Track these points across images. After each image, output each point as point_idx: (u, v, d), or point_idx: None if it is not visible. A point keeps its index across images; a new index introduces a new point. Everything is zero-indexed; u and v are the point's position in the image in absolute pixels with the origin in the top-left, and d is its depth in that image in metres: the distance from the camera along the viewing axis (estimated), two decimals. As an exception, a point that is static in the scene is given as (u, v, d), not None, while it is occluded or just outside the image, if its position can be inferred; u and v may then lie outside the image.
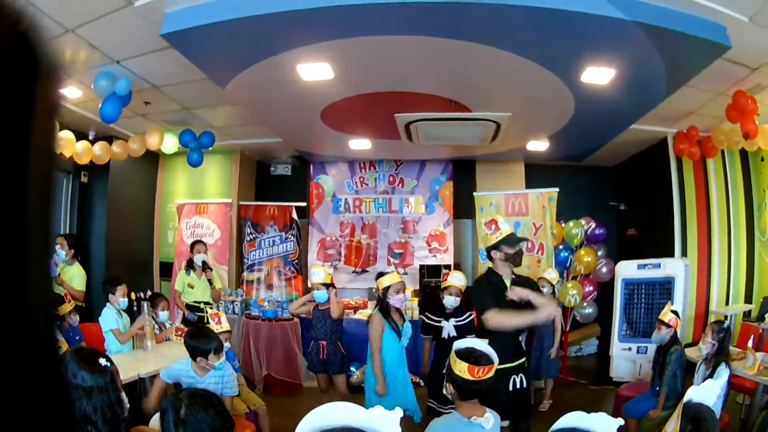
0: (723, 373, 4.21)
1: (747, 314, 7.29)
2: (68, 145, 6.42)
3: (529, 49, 4.76)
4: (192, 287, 6.65)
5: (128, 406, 2.48)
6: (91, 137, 7.27)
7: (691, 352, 5.08)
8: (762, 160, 7.55)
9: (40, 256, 0.55)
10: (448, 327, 5.39)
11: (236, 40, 4.64)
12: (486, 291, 4.17)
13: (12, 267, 0.50)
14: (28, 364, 0.54)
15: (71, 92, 6.07)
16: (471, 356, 2.82)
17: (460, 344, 2.95)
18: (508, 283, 4.09)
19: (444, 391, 3.01)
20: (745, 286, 7.84)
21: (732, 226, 7.83)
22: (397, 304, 4.67)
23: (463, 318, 5.51)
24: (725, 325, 4.72)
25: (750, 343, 4.84)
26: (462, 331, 5.39)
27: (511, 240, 4.11)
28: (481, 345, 2.92)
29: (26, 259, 0.52)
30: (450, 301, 5.44)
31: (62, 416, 0.62)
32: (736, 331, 7.00)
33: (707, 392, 2.15)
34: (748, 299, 7.71)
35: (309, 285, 8.91)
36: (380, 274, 4.97)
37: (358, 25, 4.37)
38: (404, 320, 4.78)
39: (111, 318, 5.18)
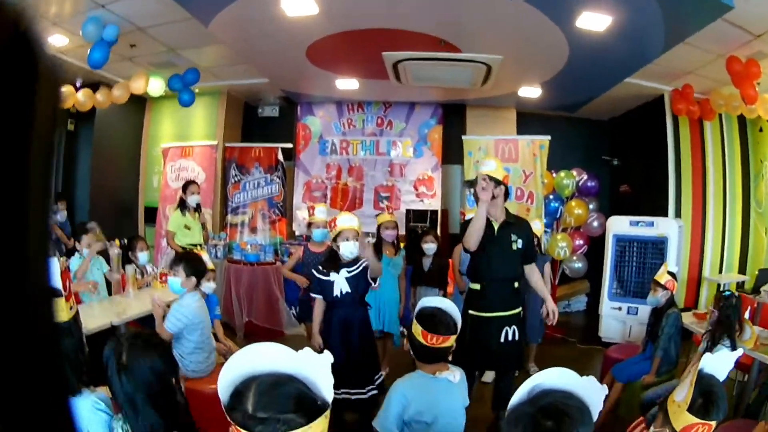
0: (727, 348, 3.89)
1: (740, 285, 7.19)
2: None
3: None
4: (189, 228, 6.45)
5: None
6: (78, 84, 7.25)
7: (685, 318, 4.85)
8: (761, 130, 7.44)
9: (39, 263, 0.51)
10: (340, 282, 4.04)
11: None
12: None
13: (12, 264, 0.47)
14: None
15: (58, 40, 5.99)
16: (429, 321, 2.59)
17: (426, 302, 2.72)
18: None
19: (404, 346, 2.83)
20: (740, 256, 7.78)
21: (728, 194, 7.74)
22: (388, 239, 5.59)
23: (354, 268, 4.08)
24: (726, 292, 4.29)
25: (747, 315, 4.60)
26: (354, 285, 4.06)
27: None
28: (448, 306, 2.69)
29: (26, 260, 0.48)
30: (348, 248, 4.04)
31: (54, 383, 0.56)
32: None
33: (721, 363, 1.98)
34: (742, 270, 7.67)
35: (294, 228, 8.87)
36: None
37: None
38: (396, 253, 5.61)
39: (73, 267, 4.98)
